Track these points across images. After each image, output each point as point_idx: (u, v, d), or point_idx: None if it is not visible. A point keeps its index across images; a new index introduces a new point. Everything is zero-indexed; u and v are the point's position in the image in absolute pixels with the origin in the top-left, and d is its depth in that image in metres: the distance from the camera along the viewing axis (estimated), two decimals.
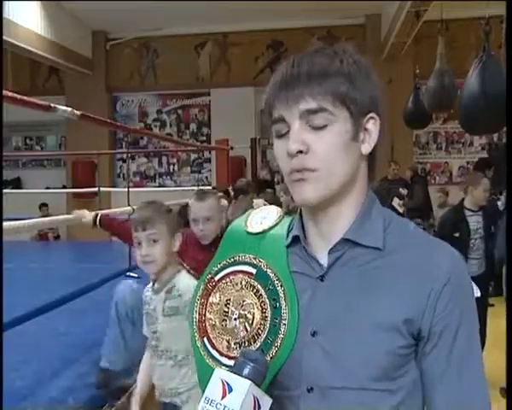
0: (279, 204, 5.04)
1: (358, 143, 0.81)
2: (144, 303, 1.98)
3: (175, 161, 10.59)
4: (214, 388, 0.73)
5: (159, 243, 1.88)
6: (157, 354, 1.90)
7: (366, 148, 0.83)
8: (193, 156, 10.59)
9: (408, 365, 0.79)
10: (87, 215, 2.97)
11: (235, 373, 0.73)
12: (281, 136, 0.81)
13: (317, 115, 0.78)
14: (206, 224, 2.53)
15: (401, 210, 6.89)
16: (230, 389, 0.71)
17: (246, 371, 0.72)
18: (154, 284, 1.94)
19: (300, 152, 0.78)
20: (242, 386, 0.71)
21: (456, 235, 3.83)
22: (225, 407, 0.71)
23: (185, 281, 1.91)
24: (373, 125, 0.82)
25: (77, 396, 2.56)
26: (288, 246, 0.88)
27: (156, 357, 1.90)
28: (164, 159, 10.60)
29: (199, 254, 2.54)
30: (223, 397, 0.71)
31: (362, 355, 0.78)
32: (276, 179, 8.71)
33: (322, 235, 0.84)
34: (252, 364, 0.73)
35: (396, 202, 7.01)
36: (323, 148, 0.78)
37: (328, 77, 0.77)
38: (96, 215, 2.96)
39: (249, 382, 0.71)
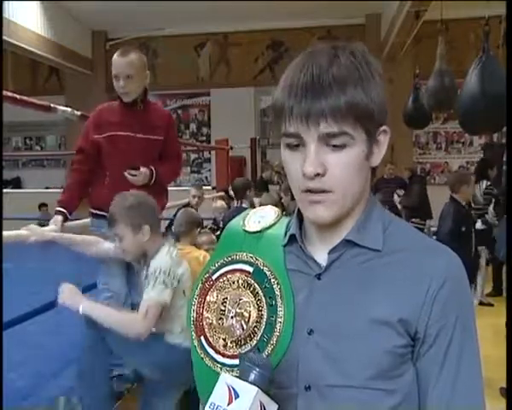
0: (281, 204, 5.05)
1: (370, 159, 0.81)
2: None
3: None
4: (220, 393, 0.72)
5: (124, 240, 2.08)
6: None
7: (375, 160, 0.82)
8: (193, 156, 10.60)
9: (406, 365, 0.79)
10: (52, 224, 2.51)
11: (241, 379, 0.72)
12: (292, 149, 0.79)
13: (337, 140, 0.76)
14: (127, 81, 2.51)
15: (399, 207, 6.93)
16: (237, 395, 0.71)
17: (252, 376, 0.71)
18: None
19: (318, 175, 0.76)
20: (249, 392, 0.70)
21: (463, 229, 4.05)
22: None
23: (158, 258, 2.11)
24: (384, 138, 0.82)
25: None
26: (285, 245, 0.88)
27: None
28: None
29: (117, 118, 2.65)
30: (229, 403, 0.70)
31: (358, 354, 0.78)
32: (276, 179, 8.72)
33: (324, 237, 0.84)
34: (258, 369, 0.72)
35: (395, 199, 7.04)
36: (341, 170, 0.77)
37: (347, 92, 0.75)
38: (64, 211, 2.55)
39: (256, 388, 0.70)
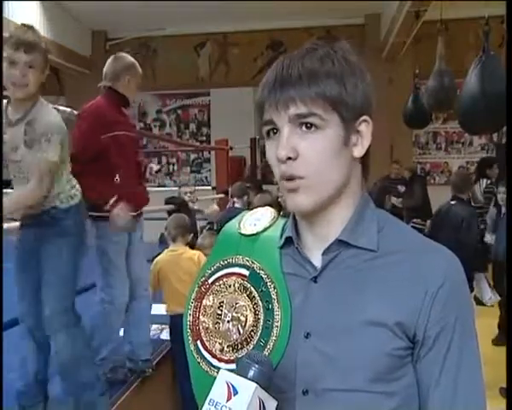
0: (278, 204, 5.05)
1: (350, 147, 0.80)
2: None
3: (174, 160, 10.59)
4: (219, 390, 0.72)
5: (35, 71, 2.05)
6: (20, 181, 2.13)
7: (359, 151, 0.82)
8: (192, 156, 10.59)
9: (405, 367, 0.78)
10: None
11: (240, 375, 0.72)
12: (271, 136, 0.80)
13: (308, 120, 0.76)
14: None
15: (400, 206, 6.91)
16: (236, 392, 0.70)
17: (251, 373, 0.71)
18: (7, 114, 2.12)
19: (289, 158, 0.77)
20: (248, 389, 0.70)
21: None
22: (230, 409, 0.70)
23: (49, 116, 2.14)
24: (365, 128, 0.81)
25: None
26: (281, 247, 0.87)
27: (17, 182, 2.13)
28: (163, 159, 10.60)
29: None
30: (228, 400, 0.70)
31: (356, 357, 0.77)
32: (276, 180, 8.69)
33: (317, 237, 0.84)
34: (257, 366, 0.72)
35: (393, 200, 7.03)
36: (313, 154, 0.77)
37: (318, 80, 0.76)
38: None
39: (255, 384, 0.70)
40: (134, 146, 2.91)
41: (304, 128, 0.77)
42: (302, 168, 0.77)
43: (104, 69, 2.82)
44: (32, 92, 2.11)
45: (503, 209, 4.73)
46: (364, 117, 0.81)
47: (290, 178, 0.78)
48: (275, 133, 0.80)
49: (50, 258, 2.23)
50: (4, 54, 2.04)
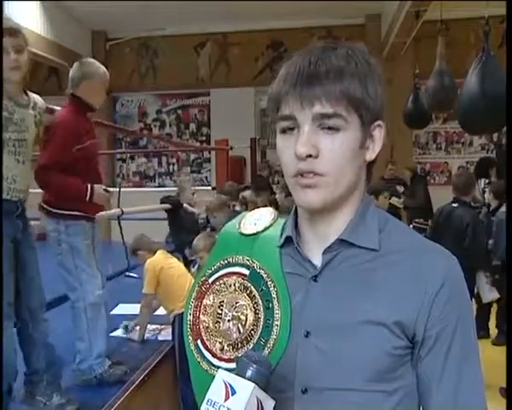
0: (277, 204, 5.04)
1: (364, 150, 0.81)
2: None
3: (175, 160, 10.59)
4: (217, 390, 0.72)
5: (22, 54, 2.22)
6: (19, 157, 2.25)
7: (370, 155, 0.82)
8: (192, 156, 10.59)
9: (404, 367, 0.78)
10: None
11: (238, 375, 0.72)
12: (287, 132, 0.79)
13: (331, 120, 0.76)
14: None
15: (401, 206, 6.88)
16: (234, 392, 0.71)
17: (249, 373, 0.71)
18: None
19: (309, 156, 0.76)
20: (246, 388, 0.70)
21: None
22: (228, 409, 0.70)
23: (41, 102, 2.44)
24: (378, 133, 0.82)
25: (76, 396, 2.56)
26: (281, 247, 0.87)
27: (17, 161, 2.25)
28: (163, 159, 10.60)
29: None
30: (226, 399, 0.70)
31: (355, 356, 0.77)
32: (277, 179, 8.72)
33: (318, 235, 0.84)
34: (255, 366, 0.72)
35: (394, 200, 6.99)
36: (333, 153, 0.77)
37: (344, 79, 0.76)
38: None
39: (253, 384, 0.70)
40: (97, 153, 2.92)
41: (325, 129, 0.77)
42: (323, 166, 0.77)
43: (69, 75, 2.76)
44: (23, 75, 2.26)
45: (491, 207, 4.75)
46: (379, 122, 0.82)
47: (308, 174, 0.77)
48: (291, 129, 0.79)
49: (32, 252, 2.44)
50: None
